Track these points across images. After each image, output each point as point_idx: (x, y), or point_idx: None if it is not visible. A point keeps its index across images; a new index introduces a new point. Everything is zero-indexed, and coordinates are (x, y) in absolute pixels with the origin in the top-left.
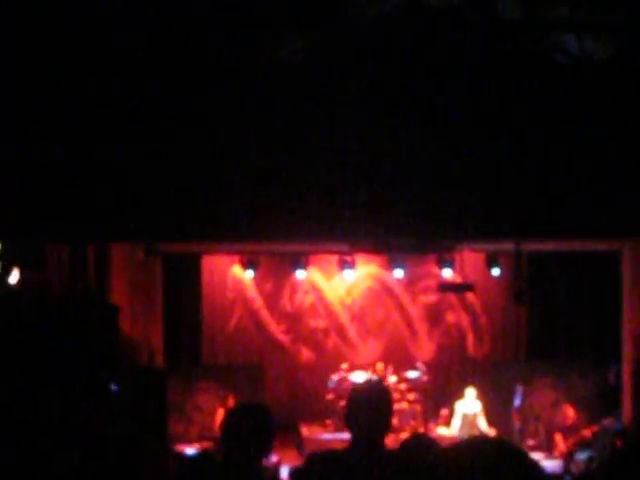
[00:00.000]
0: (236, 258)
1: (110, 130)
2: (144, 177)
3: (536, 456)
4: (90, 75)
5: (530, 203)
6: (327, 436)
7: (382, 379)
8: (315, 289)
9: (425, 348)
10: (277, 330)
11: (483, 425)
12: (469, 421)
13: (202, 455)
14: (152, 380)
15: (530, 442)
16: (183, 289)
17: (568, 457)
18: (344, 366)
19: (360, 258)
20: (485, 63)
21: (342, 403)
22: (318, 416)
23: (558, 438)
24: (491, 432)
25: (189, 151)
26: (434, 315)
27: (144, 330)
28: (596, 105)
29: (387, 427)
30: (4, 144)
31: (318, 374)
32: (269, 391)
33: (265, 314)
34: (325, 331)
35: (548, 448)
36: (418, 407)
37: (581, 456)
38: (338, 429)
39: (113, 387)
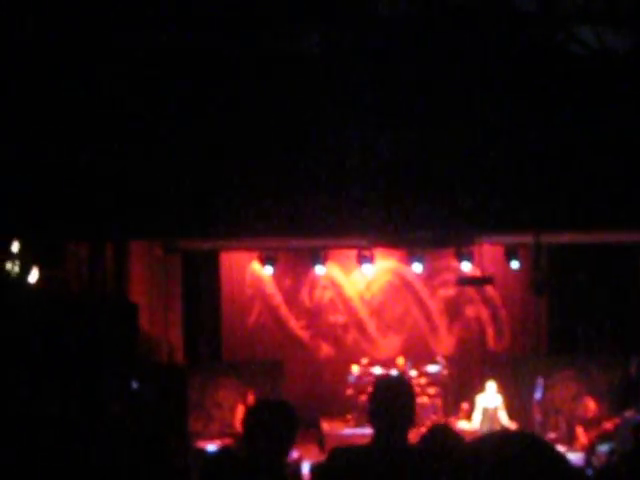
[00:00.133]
0: (255, 254)
1: (129, 129)
2: (163, 175)
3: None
4: (103, 72)
5: (549, 195)
6: (348, 431)
7: (402, 373)
8: (334, 284)
9: (445, 342)
10: (296, 326)
11: (504, 419)
12: (490, 415)
13: (223, 451)
14: (172, 377)
15: (551, 435)
16: (202, 286)
17: (590, 450)
18: (364, 361)
19: (379, 253)
20: (502, 57)
21: (362, 398)
22: (338, 411)
23: (579, 431)
24: (512, 426)
25: (207, 148)
26: (453, 309)
27: (164, 327)
28: (614, 96)
29: (410, 421)
30: (23, 144)
31: (338, 369)
32: (289, 387)
33: (284, 310)
34: (344, 326)
35: (569, 441)
36: (439, 401)
37: (603, 449)
38: (359, 424)
39: (133, 385)
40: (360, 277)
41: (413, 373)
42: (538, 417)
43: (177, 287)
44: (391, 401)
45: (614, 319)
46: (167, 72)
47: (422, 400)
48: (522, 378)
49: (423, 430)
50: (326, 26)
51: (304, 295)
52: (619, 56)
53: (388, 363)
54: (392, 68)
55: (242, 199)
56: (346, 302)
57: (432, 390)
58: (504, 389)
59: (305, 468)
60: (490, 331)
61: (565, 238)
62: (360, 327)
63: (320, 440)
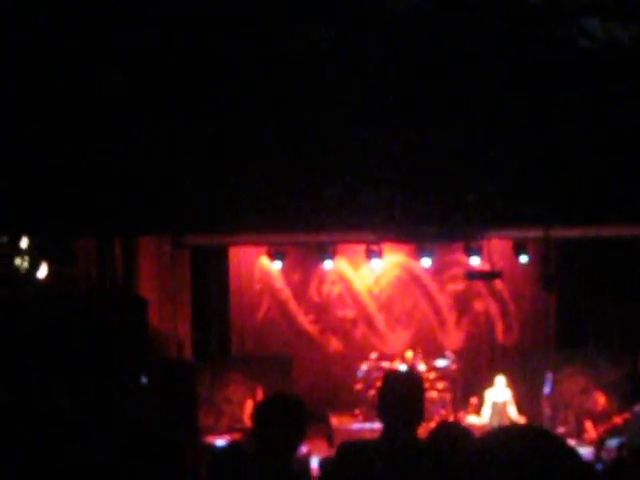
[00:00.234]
0: (263, 249)
1: (136, 125)
2: (171, 171)
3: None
4: (114, 68)
5: (558, 190)
6: (357, 426)
7: (411, 367)
8: (343, 279)
9: (454, 337)
10: (305, 321)
11: (513, 413)
12: (499, 409)
13: (232, 446)
14: (181, 372)
15: (560, 429)
16: (211, 281)
17: (599, 444)
18: (373, 355)
19: (387, 247)
20: (509, 51)
21: (371, 392)
22: (347, 406)
23: (588, 425)
24: (521, 420)
25: (215, 144)
26: (462, 303)
27: (173, 323)
28: (622, 90)
29: (419, 416)
30: (31, 141)
31: (347, 364)
32: (298, 382)
33: (293, 305)
34: (353, 321)
35: (578, 435)
36: (447, 396)
37: (612, 443)
38: (367, 419)
39: (143, 380)
40: (369, 272)
41: (422, 367)
42: (547, 411)
43: (186, 282)
44: (400, 396)
45: (623, 313)
46: (171, 69)
47: (431, 395)
48: (531, 372)
49: (432, 425)
50: (332, 23)
51: (313, 290)
52: (627, 48)
53: (397, 357)
54: (399, 64)
55: (250, 194)
56: (355, 297)
57: (441, 385)
58: (513, 383)
59: (314, 463)
60: (499, 325)
61: (574, 232)
62: (369, 322)
63: (329, 435)
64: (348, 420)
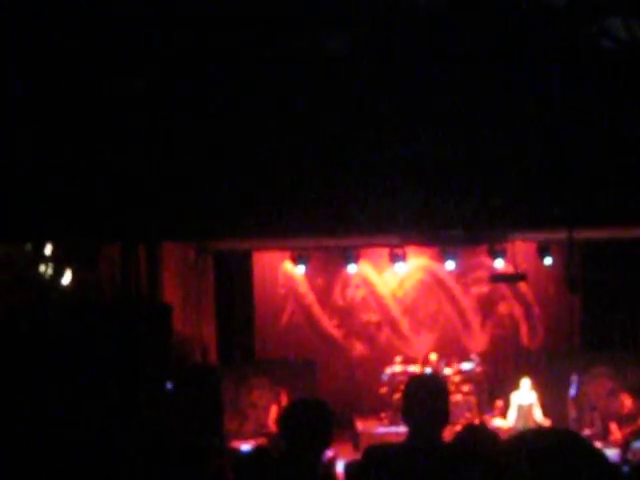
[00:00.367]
0: (287, 254)
1: (158, 133)
2: (194, 176)
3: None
4: (126, 72)
5: (582, 191)
6: (382, 429)
7: (435, 370)
8: (366, 283)
9: (478, 339)
10: (329, 325)
11: (539, 416)
12: (524, 412)
13: (258, 451)
14: (206, 378)
15: (586, 432)
16: (235, 286)
17: (624, 446)
18: (397, 359)
19: (411, 251)
20: (530, 51)
21: (396, 396)
22: (372, 410)
23: (613, 427)
24: (546, 422)
25: (239, 150)
26: (486, 306)
27: (197, 328)
28: None
29: (444, 419)
30: (55, 148)
31: (371, 368)
32: (323, 386)
33: (317, 309)
34: (377, 325)
35: (604, 437)
36: (473, 399)
37: (638, 445)
38: (393, 422)
39: (168, 386)
40: (392, 275)
41: (447, 371)
42: (573, 414)
43: (210, 288)
44: (424, 399)
45: None
46: (192, 72)
47: (456, 398)
48: (556, 375)
49: (458, 428)
50: (353, 25)
51: (337, 294)
52: None
53: (422, 361)
54: (423, 66)
55: (273, 199)
56: (379, 300)
57: (466, 388)
58: (538, 386)
59: (339, 467)
60: (523, 328)
61: (598, 234)
62: (393, 325)
63: (354, 439)
64: (373, 424)
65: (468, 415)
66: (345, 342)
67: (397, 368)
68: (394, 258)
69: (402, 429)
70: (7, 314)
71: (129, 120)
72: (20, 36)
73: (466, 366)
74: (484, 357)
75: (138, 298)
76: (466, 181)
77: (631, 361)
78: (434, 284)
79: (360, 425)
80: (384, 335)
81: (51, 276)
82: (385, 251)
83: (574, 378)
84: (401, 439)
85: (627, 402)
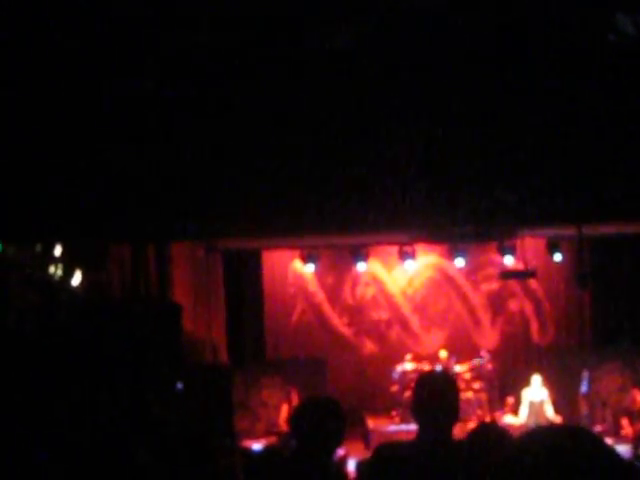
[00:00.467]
0: (296, 252)
1: (167, 133)
2: (203, 175)
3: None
4: (138, 73)
5: (591, 187)
6: (393, 427)
7: (446, 368)
8: (376, 281)
9: (489, 337)
10: (339, 323)
11: (550, 412)
12: (536, 409)
13: (269, 451)
14: (217, 377)
15: (598, 428)
16: (244, 285)
17: (637, 441)
18: (408, 357)
19: (420, 248)
20: (538, 46)
21: (407, 394)
22: (383, 408)
23: (624, 422)
24: (558, 419)
25: (246, 148)
26: (497, 303)
27: (207, 328)
28: None
29: (454, 416)
30: (64, 148)
31: (382, 366)
32: (333, 384)
33: (327, 308)
34: (388, 323)
35: (616, 433)
36: (484, 396)
37: None
38: (404, 420)
39: (178, 386)
40: (402, 273)
41: (458, 368)
42: (584, 410)
43: (219, 287)
44: (434, 397)
45: None
46: (200, 71)
47: (467, 395)
48: (567, 371)
49: (469, 425)
50: (359, 22)
51: (346, 292)
52: None
53: (432, 358)
54: (430, 63)
55: (282, 197)
56: (389, 298)
57: (477, 385)
58: (549, 382)
59: (350, 465)
60: (534, 325)
61: (607, 229)
62: (403, 323)
63: (365, 437)
64: (384, 422)
65: (479, 412)
66: (355, 340)
67: (408, 366)
68: (404, 256)
69: (413, 427)
70: (17, 315)
71: (138, 120)
72: (20, 36)
73: (477, 363)
74: (495, 354)
75: (148, 298)
76: (475, 178)
77: None
78: (444, 281)
79: (371, 423)
80: (394, 333)
81: (61, 277)
82: (394, 249)
83: (585, 374)
84: (412, 437)
85: (639, 398)
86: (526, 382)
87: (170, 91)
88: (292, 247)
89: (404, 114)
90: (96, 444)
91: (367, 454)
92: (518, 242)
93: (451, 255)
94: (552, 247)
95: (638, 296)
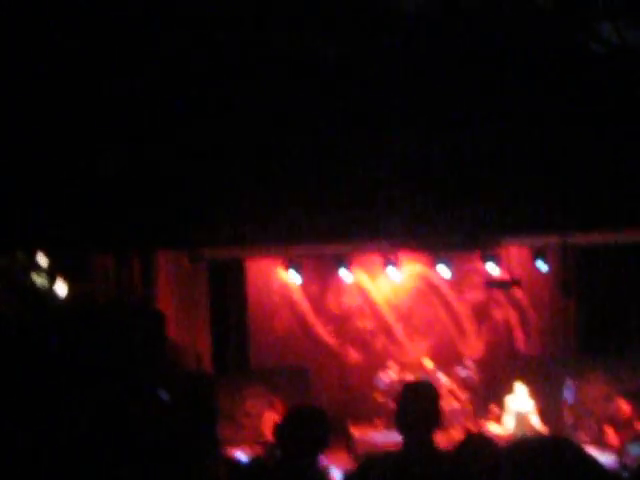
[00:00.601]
0: (281, 262)
1: (154, 141)
2: (186, 185)
3: (589, 451)
4: (134, 84)
5: (575, 196)
6: (377, 436)
7: (431, 376)
8: (361, 290)
9: (473, 346)
10: (324, 332)
11: (535, 422)
12: (521, 418)
13: (253, 462)
14: (201, 386)
15: (583, 437)
16: (229, 294)
17: (622, 451)
18: (392, 366)
19: (405, 257)
20: (522, 55)
21: (391, 403)
22: (367, 416)
23: (609, 431)
24: (543, 428)
25: (231, 158)
26: (481, 312)
27: (191, 337)
28: (636, 94)
29: (436, 426)
30: (47, 156)
31: (366, 375)
32: (318, 393)
33: (311, 317)
34: (372, 332)
35: (601, 443)
36: (468, 405)
37: (634, 450)
38: (388, 429)
39: (162, 395)
40: (387, 282)
41: (442, 377)
42: (569, 419)
43: (204, 296)
44: (416, 406)
45: None
46: (187, 79)
47: (452, 404)
48: (552, 380)
49: (453, 433)
50: (343, 30)
51: (331, 301)
52: (638, 51)
53: (416, 367)
54: (414, 71)
55: (267, 206)
56: (373, 307)
57: (461, 394)
58: (534, 392)
59: (334, 474)
60: (519, 334)
61: (592, 239)
62: (388, 332)
63: (349, 446)
64: (368, 430)
65: (463, 421)
66: (340, 349)
67: (392, 375)
68: (388, 265)
69: (397, 436)
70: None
71: (124, 131)
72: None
73: (461, 372)
74: (479, 363)
75: (132, 307)
76: (460, 187)
77: (627, 366)
78: (428, 290)
79: (355, 432)
80: (379, 342)
81: (45, 285)
82: (379, 258)
83: (570, 383)
84: (396, 445)
85: (624, 407)
86: (510, 391)
87: (157, 99)
88: (276, 256)
89: (389, 125)
90: (76, 453)
91: (351, 463)
92: (503, 251)
93: (435, 264)
94: (537, 256)
95: (623, 305)
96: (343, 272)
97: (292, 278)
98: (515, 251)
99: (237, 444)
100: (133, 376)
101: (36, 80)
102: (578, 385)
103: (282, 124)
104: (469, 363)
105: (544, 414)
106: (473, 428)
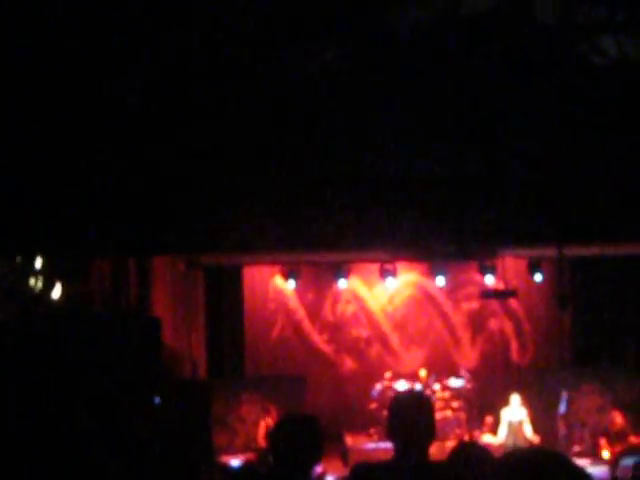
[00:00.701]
0: (277, 269)
1: (152, 146)
2: (184, 190)
3: (582, 462)
4: (132, 88)
5: (572, 207)
6: (371, 445)
7: (425, 387)
8: (357, 298)
9: (468, 355)
10: (320, 340)
11: (529, 432)
12: (515, 428)
13: (247, 467)
14: (196, 392)
15: (576, 448)
16: (225, 301)
17: (614, 463)
18: (387, 375)
19: (401, 266)
20: (522, 68)
21: (385, 412)
22: (362, 425)
23: (603, 443)
24: (536, 439)
25: (230, 164)
26: (477, 322)
27: (187, 343)
28: (636, 107)
29: (430, 437)
30: (45, 161)
31: (361, 383)
32: (312, 401)
33: (307, 324)
34: (368, 340)
35: (594, 454)
36: (462, 415)
37: (627, 462)
38: (382, 438)
39: (156, 401)
40: (383, 291)
41: (437, 387)
42: (562, 430)
43: (200, 302)
44: (409, 417)
45: (639, 332)
46: (189, 87)
47: (446, 414)
48: (546, 391)
49: (448, 444)
50: (347, 41)
51: (327, 309)
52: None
53: (412, 377)
54: (414, 83)
55: (264, 214)
56: (369, 316)
57: (456, 404)
58: (528, 402)
59: None
60: (514, 344)
61: (588, 251)
62: (383, 341)
63: (344, 454)
64: (363, 439)
65: (458, 431)
66: (335, 357)
67: (387, 384)
68: (384, 273)
69: (391, 445)
70: None
71: (121, 135)
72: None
73: (456, 382)
74: (474, 373)
75: (128, 312)
76: (456, 197)
77: (621, 377)
78: (424, 300)
79: (349, 441)
80: (374, 351)
81: (41, 290)
82: (375, 266)
83: (564, 394)
84: (390, 455)
85: (617, 419)
86: (505, 401)
87: (152, 105)
88: (273, 263)
89: (387, 133)
90: (71, 459)
91: (345, 472)
92: (499, 262)
93: (432, 274)
94: (533, 267)
95: (618, 317)
96: (340, 280)
97: (289, 285)
98: (511, 262)
99: (232, 450)
100: (128, 382)
101: (36, 83)
102: (572, 396)
103: (282, 133)
104: (464, 373)
105: (537, 424)
106: (467, 438)
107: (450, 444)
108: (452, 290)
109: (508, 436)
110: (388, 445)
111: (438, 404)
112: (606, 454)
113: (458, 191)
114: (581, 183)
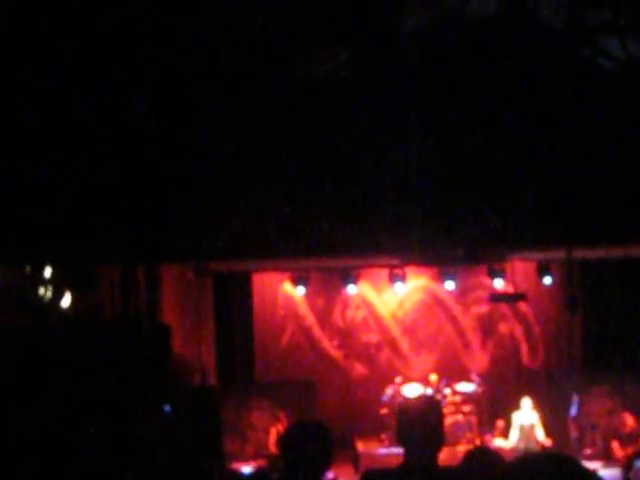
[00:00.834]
0: (286, 275)
1: (158, 155)
2: (193, 198)
3: (594, 465)
4: (140, 94)
5: (581, 210)
6: (382, 451)
7: (436, 391)
8: (366, 303)
9: (479, 359)
10: (330, 346)
11: (540, 436)
12: (526, 432)
13: (258, 474)
14: (206, 399)
15: (588, 451)
16: (234, 308)
17: (627, 465)
18: (398, 380)
19: (410, 271)
20: (528, 71)
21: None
22: (373, 431)
23: (615, 446)
24: (548, 442)
25: (237, 171)
26: (487, 326)
27: (196, 350)
28: None
29: (439, 442)
30: (53, 170)
31: (372, 389)
32: (323, 407)
33: (317, 330)
34: (378, 345)
35: (606, 457)
36: (473, 419)
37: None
38: (393, 443)
39: (166, 408)
40: (392, 296)
41: (447, 391)
42: (574, 433)
43: (209, 309)
44: (418, 422)
45: None
46: (197, 94)
47: (457, 418)
48: (557, 394)
49: (459, 449)
50: (355, 46)
51: (336, 315)
52: None
53: (422, 381)
54: (421, 87)
55: (273, 220)
56: (379, 321)
57: (467, 408)
58: (539, 405)
59: None
60: (524, 347)
61: (598, 253)
62: (393, 346)
63: (355, 460)
64: (374, 445)
65: (469, 435)
66: (345, 363)
67: (397, 389)
68: (394, 278)
69: (402, 450)
70: (6, 337)
71: (128, 144)
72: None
73: (466, 386)
74: (485, 377)
75: (137, 320)
76: (465, 201)
77: (632, 380)
78: (434, 304)
79: (360, 446)
80: (384, 356)
81: (50, 299)
82: (385, 272)
83: (575, 397)
84: (401, 461)
85: (629, 421)
86: (516, 405)
87: (160, 112)
88: (282, 270)
89: (395, 139)
90: (81, 467)
91: (356, 477)
92: (508, 265)
93: (441, 278)
94: (542, 270)
95: (628, 319)
96: (349, 286)
97: (298, 292)
98: (521, 265)
99: (242, 457)
100: (138, 390)
101: (36, 89)
102: (583, 399)
103: (289, 139)
104: (474, 377)
105: (549, 428)
106: (478, 442)
107: (461, 448)
108: (462, 294)
109: (520, 440)
110: (400, 450)
111: (449, 408)
112: (618, 457)
113: (467, 195)
114: (589, 186)
